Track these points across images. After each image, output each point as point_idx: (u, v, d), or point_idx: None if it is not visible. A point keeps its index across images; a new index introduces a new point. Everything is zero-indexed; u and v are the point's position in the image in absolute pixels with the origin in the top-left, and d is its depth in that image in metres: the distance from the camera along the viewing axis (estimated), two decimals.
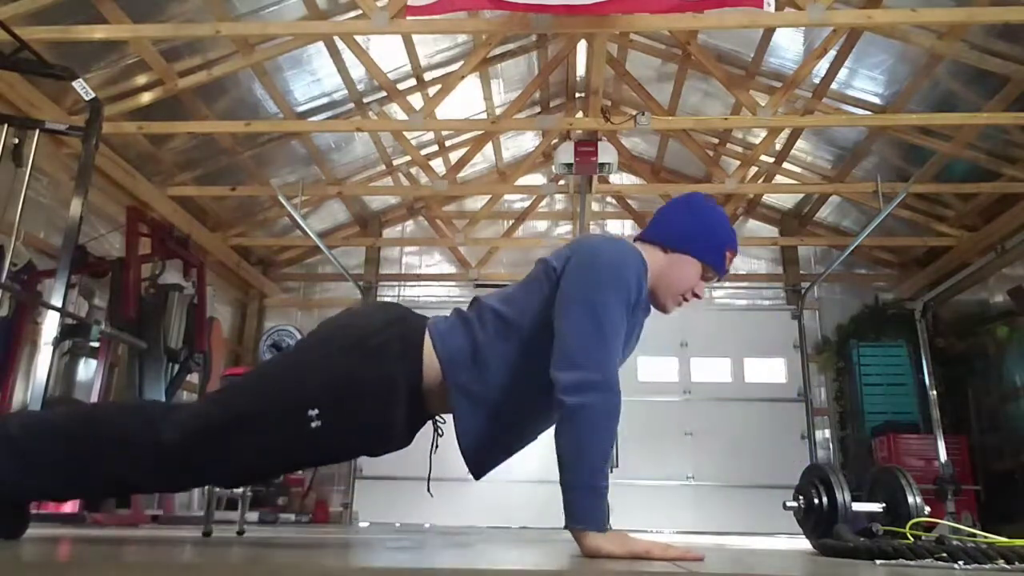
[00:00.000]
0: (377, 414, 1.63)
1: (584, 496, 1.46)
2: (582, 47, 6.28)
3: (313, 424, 1.57)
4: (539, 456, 2.53)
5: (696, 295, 1.84)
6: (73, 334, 3.86)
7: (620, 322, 1.58)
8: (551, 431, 1.56)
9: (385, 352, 1.63)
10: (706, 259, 1.81)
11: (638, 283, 1.64)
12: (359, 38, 5.30)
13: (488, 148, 7.35)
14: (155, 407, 1.73)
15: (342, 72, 5.81)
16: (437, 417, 1.81)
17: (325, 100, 6.20)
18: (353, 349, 1.63)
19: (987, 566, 1.35)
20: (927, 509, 2.15)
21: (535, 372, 1.59)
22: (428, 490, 1.85)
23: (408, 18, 4.23)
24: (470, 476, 1.73)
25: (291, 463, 1.71)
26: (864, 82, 5.70)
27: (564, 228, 8.32)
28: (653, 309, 1.87)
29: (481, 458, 1.70)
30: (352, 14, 5.18)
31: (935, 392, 5.76)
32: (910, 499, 2.14)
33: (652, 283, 1.78)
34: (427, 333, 1.69)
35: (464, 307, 1.77)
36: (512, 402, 1.66)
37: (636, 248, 1.73)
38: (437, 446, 1.78)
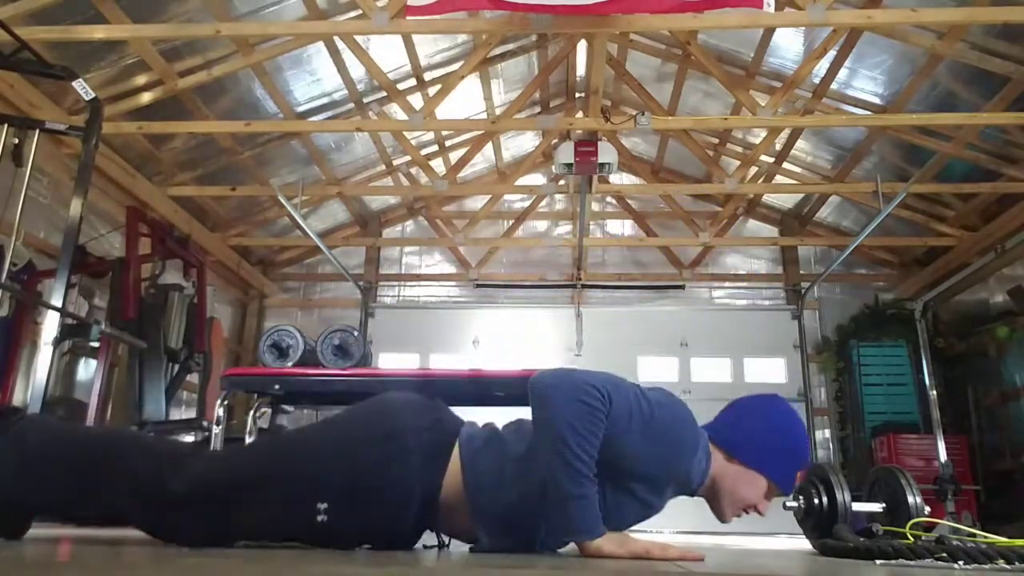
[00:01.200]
0: (386, 520, 1.59)
1: (577, 507, 1.45)
2: (582, 47, 6.28)
3: (319, 517, 1.54)
4: None
5: (759, 512, 1.72)
6: (73, 334, 3.86)
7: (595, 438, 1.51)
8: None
9: (408, 460, 1.57)
10: (776, 479, 1.70)
11: (700, 478, 1.65)
12: (359, 38, 5.30)
13: (488, 148, 7.35)
14: (170, 452, 1.67)
15: (342, 72, 5.81)
16: (443, 536, 1.74)
17: (325, 100, 6.20)
18: (376, 448, 1.57)
19: (987, 566, 1.35)
20: (927, 509, 2.15)
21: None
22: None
23: (408, 18, 4.23)
24: None
25: (290, 538, 1.68)
26: (864, 82, 5.70)
27: (564, 228, 8.32)
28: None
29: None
30: (352, 14, 5.18)
31: (935, 392, 5.75)
32: (910, 499, 2.14)
33: (712, 485, 1.70)
34: (457, 445, 1.62)
35: (502, 427, 1.71)
36: (528, 504, 1.60)
37: (705, 436, 1.68)
38: (442, 549, 1.73)
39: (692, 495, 1.73)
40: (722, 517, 1.75)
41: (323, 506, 1.54)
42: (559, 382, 1.52)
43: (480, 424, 1.74)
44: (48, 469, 1.59)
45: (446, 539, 1.76)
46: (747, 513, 1.74)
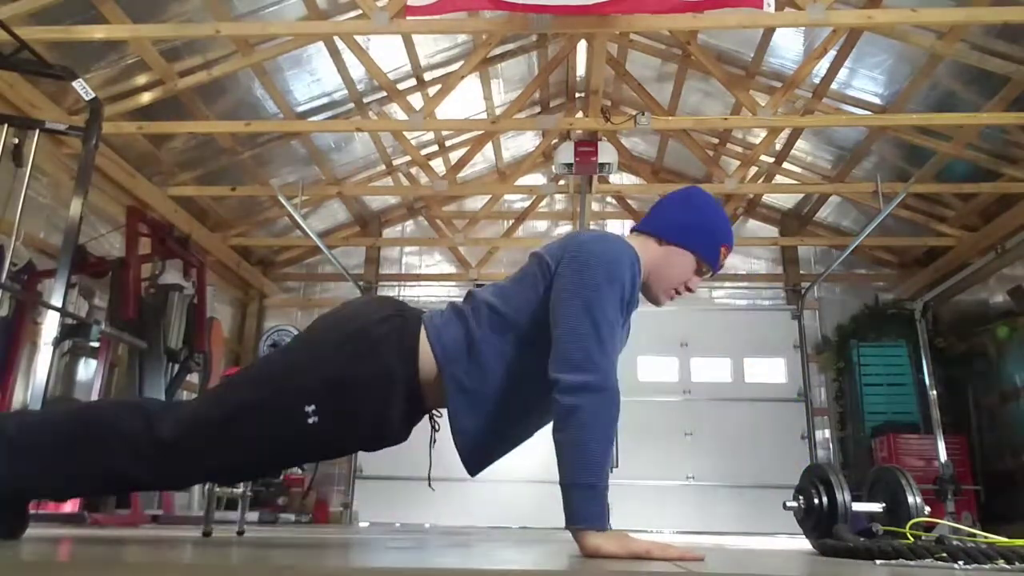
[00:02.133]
0: (374, 409, 1.63)
1: (582, 495, 1.46)
2: (582, 47, 6.28)
3: (310, 420, 1.58)
4: (539, 456, 2.53)
5: (689, 289, 1.85)
6: (73, 334, 3.86)
7: (616, 319, 1.57)
8: (549, 429, 1.56)
9: (381, 347, 1.63)
10: (701, 253, 1.81)
11: (632, 279, 1.64)
12: (359, 38, 5.30)
13: (488, 148, 7.35)
14: (152, 404, 1.73)
15: (342, 72, 5.81)
16: (434, 412, 1.81)
17: (325, 100, 6.20)
18: (349, 344, 1.62)
19: (987, 566, 1.35)
20: (927, 509, 2.15)
21: (530, 368, 1.60)
22: (429, 484, 1.85)
23: (408, 18, 4.23)
24: (470, 476, 1.73)
25: (289, 458, 1.72)
26: (864, 82, 5.70)
27: (564, 228, 8.32)
28: (644, 301, 1.87)
29: (477, 454, 1.70)
30: (352, 14, 5.18)
31: (935, 392, 5.76)
32: (910, 499, 2.14)
33: (645, 275, 1.78)
34: (423, 327, 1.68)
35: (459, 302, 1.76)
36: (508, 398, 1.66)
37: (628, 243, 1.72)
38: (435, 441, 1.78)
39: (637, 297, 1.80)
40: (656, 301, 1.88)
41: (311, 408, 1.58)
42: (605, 385, 1.51)
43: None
44: (35, 446, 1.61)
45: (438, 421, 1.81)
46: (679, 294, 1.86)
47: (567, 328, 1.55)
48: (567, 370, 1.51)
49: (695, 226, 1.82)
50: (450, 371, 1.63)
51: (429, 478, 1.84)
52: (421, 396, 1.68)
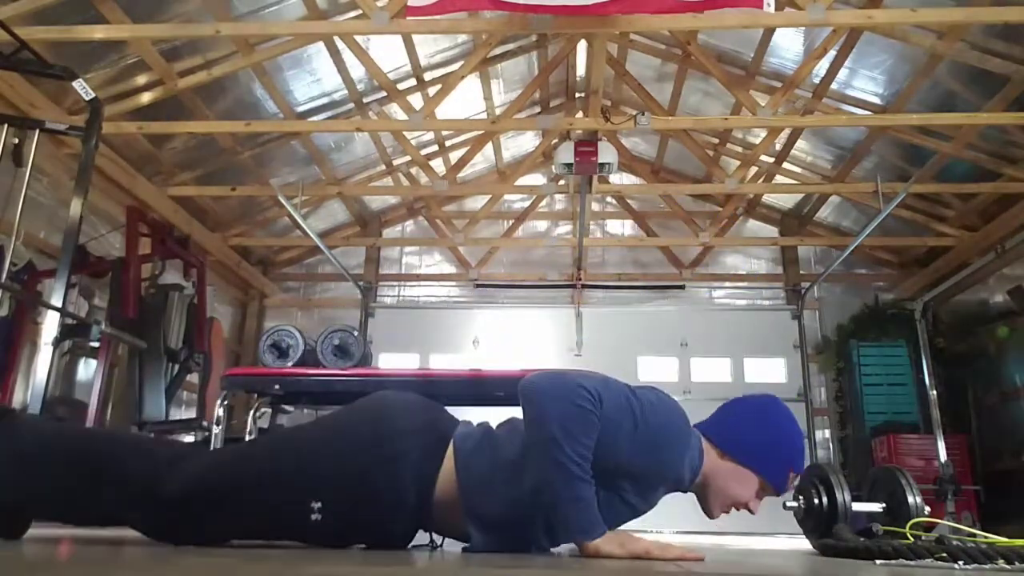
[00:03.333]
0: (380, 520, 1.60)
1: (573, 510, 1.45)
2: (582, 47, 6.28)
3: (313, 516, 1.55)
4: None
5: (750, 511, 1.72)
6: (73, 334, 3.86)
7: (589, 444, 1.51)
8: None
9: (403, 461, 1.57)
10: (768, 478, 1.69)
11: (692, 476, 1.64)
12: (359, 38, 5.30)
13: (488, 148, 7.35)
14: (164, 453, 1.66)
15: (342, 72, 5.81)
16: (435, 536, 1.75)
17: (325, 100, 6.20)
18: (371, 449, 1.57)
19: (987, 566, 1.35)
20: (927, 509, 2.15)
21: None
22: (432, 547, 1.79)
23: (408, 18, 4.23)
24: None
25: (283, 537, 1.68)
26: (864, 82, 5.70)
27: (564, 228, 8.32)
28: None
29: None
30: (352, 14, 5.18)
31: (935, 392, 5.75)
32: (910, 499, 2.14)
33: (703, 482, 1.70)
34: (452, 446, 1.63)
35: (493, 425, 1.71)
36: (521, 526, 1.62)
37: (698, 437, 1.68)
38: (434, 550, 1.74)
39: (684, 492, 1.73)
40: (710, 513, 1.75)
41: (317, 505, 1.54)
42: (550, 385, 1.51)
43: (475, 423, 1.74)
44: (44, 471, 1.59)
45: (439, 539, 1.77)
46: (737, 511, 1.74)
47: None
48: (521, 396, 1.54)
49: (767, 448, 1.70)
50: (469, 503, 1.59)
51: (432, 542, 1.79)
52: (429, 514, 1.63)
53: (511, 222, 8.17)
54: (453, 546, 1.75)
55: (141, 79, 5.11)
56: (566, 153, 5.51)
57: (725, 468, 1.68)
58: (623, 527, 1.72)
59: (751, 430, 1.71)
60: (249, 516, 1.59)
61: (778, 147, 6.75)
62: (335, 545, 1.64)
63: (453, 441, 1.64)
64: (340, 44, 5.45)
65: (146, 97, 5.15)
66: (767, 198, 8.00)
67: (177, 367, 5.39)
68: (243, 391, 3.65)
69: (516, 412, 1.67)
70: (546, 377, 1.54)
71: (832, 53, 5.29)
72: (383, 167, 7.33)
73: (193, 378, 5.85)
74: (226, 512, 1.57)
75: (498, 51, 6.15)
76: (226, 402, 3.39)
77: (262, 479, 1.58)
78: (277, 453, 1.66)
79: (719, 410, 1.78)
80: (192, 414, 6.07)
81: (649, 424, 1.56)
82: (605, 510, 1.56)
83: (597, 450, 1.50)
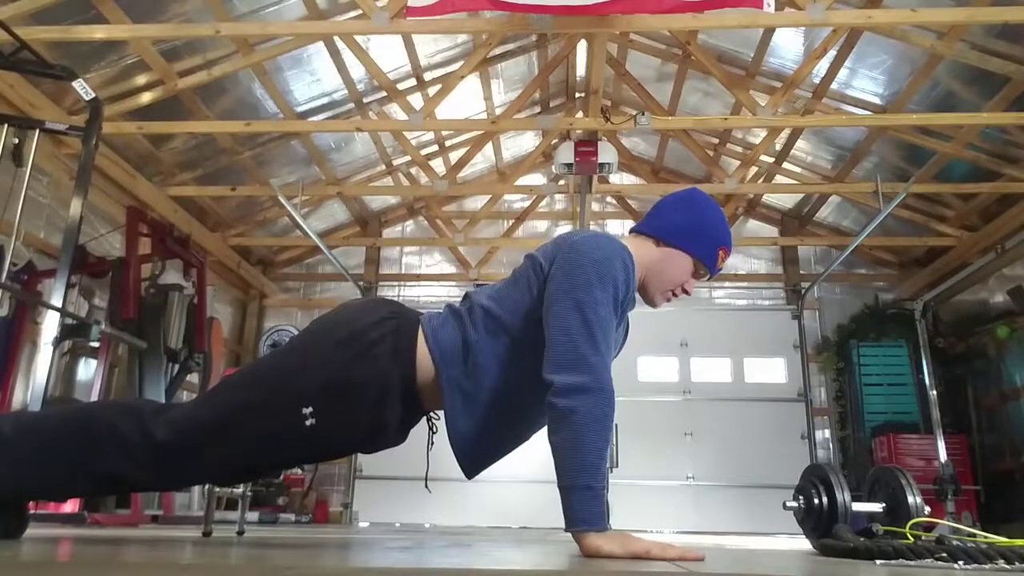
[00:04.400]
0: (371, 412, 1.63)
1: (580, 497, 1.45)
2: (582, 47, 6.29)
3: (307, 422, 1.57)
4: (539, 456, 2.52)
5: (686, 291, 1.85)
6: (73, 334, 3.86)
7: (609, 320, 1.56)
8: (546, 431, 1.56)
9: (378, 349, 1.62)
10: (698, 255, 1.80)
11: (626, 279, 1.62)
12: (359, 38, 5.30)
13: (488, 148, 7.35)
14: (148, 405, 1.72)
15: (342, 72, 5.81)
16: (431, 414, 1.80)
17: (325, 100, 6.20)
18: (346, 346, 1.62)
19: (987, 566, 1.35)
20: (927, 509, 2.15)
21: (526, 371, 1.59)
22: (426, 486, 1.84)
23: (408, 18, 4.23)
24: (467, 478, 1.73)
25: (286, 460, 1.72)
26: (864, 82, 5.70)
27: (564, 228, 8.32)
28: (641, 302, 1.86)
29: (474, 457, 1.70)
30: (352, 14, 5.18)
31: (935, 392, 5.76)
32: (910, 499, 2.14)
33: (642, 276, 1.78)
34: (420, 329, 1.68)
35: (456, 303, 1.76)
36: (504, 401, 1.65)
37: (623, 243, 1.71)
38: (433, 443, 1.78)
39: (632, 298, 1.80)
40: (652, 302, 1.88)
41: (308, 410, 1.58)
42: (599, 386, 1.50)
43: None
44: (32, 446, 1.61)
45: (436, 423, 1.80)
46: (676, 296, 1.86)
47: (560, 329, 1.54)
48: (561, 371, 1.51)
49: (694, 228, 1.81)
50: (447, 373, 1.63)
51: (427, 480, 1.84)
52: (418, 398, 1.68)
53: (511, 222, 8.17)
54: (452, 536, 1.75)
55: (141, 79, 5.11)
56: (566, 153, 5.51)
57: (659, 254, 1.80)
58: (627, 524, 1.72)
59: (679, 215, 1.83)
60: (246, 440, 1.61)
61: (778, 147, 6.75)
62: (338, 450, 1.67)
63: (420, 322, 1.70)
64: (340, 44, 5.45)
65: (146, 97, 5.15)
66: (767, 198, 8.00)
67: (177, 367, 5.39)
68: None
69: (473, 291, 1.76)
70: (596, 373, 1.52)
71: (832, 53, 5.29)
72: (383, 167, 7.34)
73: (193, 378, 5.86)
74: (222, 443, 1.60)
75: (498, 51, 6.15)
76: None
77: (249, 400, 1.62)
78: (258, 375, 1.73)
79: (651, 208, 1.90)
80: None
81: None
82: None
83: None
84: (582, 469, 1.46)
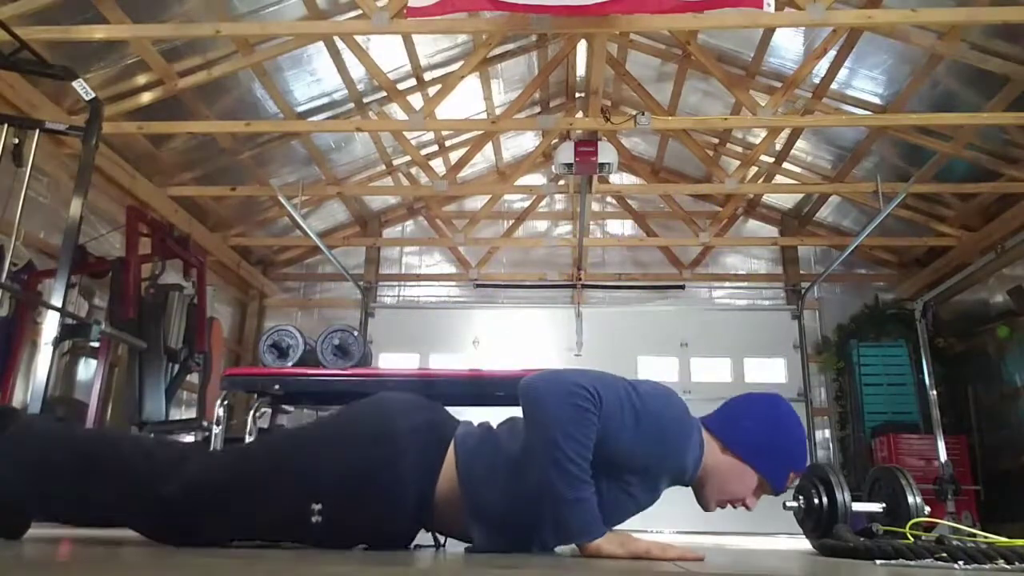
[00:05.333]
0: (380, 520, 1.60)
1: (573, 511, 1.45)
2: (582, 47, 6.28)
3: (314, 518, 1.55)
4: None
5: (747, 507, 1.71)
6: (73, 334, 3.85)
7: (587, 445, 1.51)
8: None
9: (403, 460, 1.57)
10: (768, 477, 1.68)
11: (694, 468, 1.63)
12: (359, 38, 5.30)
13: (488, 148, 7.35)
14: (166, 454, 1.67)
15: (342, 72, 5.81)
16: (439, 536, 1.76)
17: (325, 100, 6.20)
18: (371, 449, 1.57)
19: (987, 566, 1.35)
20: (927, 509, 2.15)
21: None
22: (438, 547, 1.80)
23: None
24: None
25: (284, 538, 1.68)
26: (864, 82, 5.70)
27: (564, 228, 8.32)
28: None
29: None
30: (352, 14, 5.18)
31: (935, 392, 5.75)
32: (910, 499, 2.14)
33: (703, 475, 1.68)
34: (452, 445, 1.63)
35: (495, 427, 1.72)
36: (523, 524, 1.61)
37: (700, 427, 1.68)
38: (438, 549, 1.74)
39: (686, 485, 1.73)
40: (706, 506, 1.74)
41: (317, 507, 1.54)
42: (549, 386, 1.51)
43: (475, 423, 1.74)
44: (45, 471, 1.59)
45: (442, 538, 1.77)
46: (733, 507, 1.73)
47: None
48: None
49: (769, 448, 1.69)
50: (472, 499, 1.58)
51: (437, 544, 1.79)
52: (431, 514, 1.63)
53: (511, 222, 8.17)
54: (455, 547, 1.75)
55: (141, 79, 5.11)
56: (566, 153, 5.50)
57: (725, 463, 1.67)
58: (627, 523, 1.72)
59: (755, 427, 1.70)
60: (249, 517, 1.59)
61: (778, 147, 6.75)
62: (336, 546, 1.64)
63: (454, 440, 1.64)
64: (340, 44, 5.45)
65: (146, 97, 5.15)
66: (767, 198, 8.00)
67: (177, 367, 5.38)
68: (243, 391, 3.64)
69: (516, 412, 1.67)
70: (545, 378, 1.54)
71: (832, 53, 5.29)
72: (383, 167, 7.33)
73: (193, 378, 5.85)
74: (226, 513, 1.57)
75: (498, 51, 6.15)
76: (226, 402, 3.39)
77: (262, 480, 1.58)
78: (277, 454, 1.66)
79: (724, 404, 1.77)
80: (192, 414, 6.07)
81: (650, 415, 1.56)
82: (610, 505, 1.56)
83: (599, 445, 1.49)
84: (570, 485, 1.45)
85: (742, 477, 1.67)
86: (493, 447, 1.63)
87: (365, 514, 1.57)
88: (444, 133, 7.21)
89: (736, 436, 1.69)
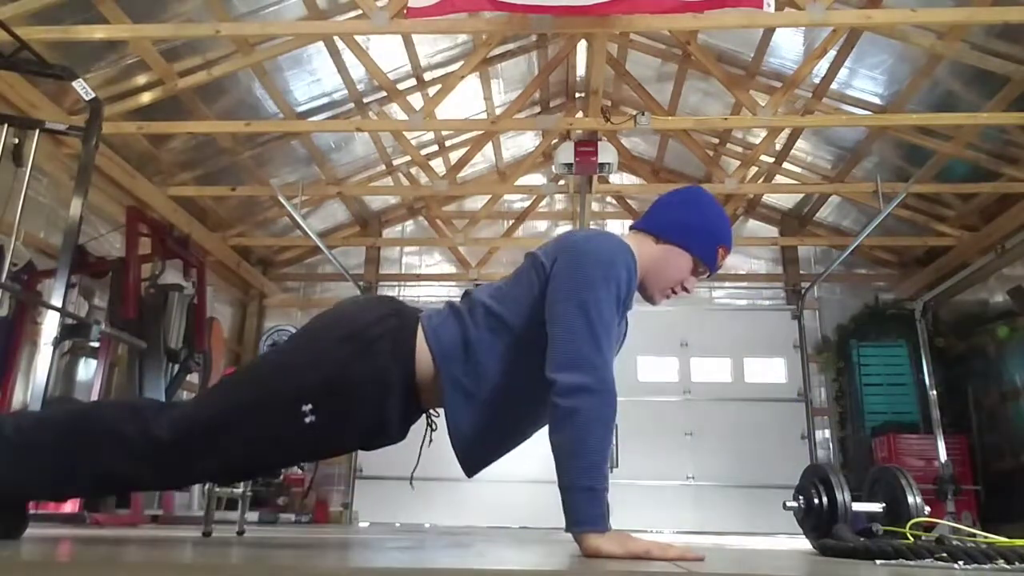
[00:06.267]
0: (371, 409, 1.63)
1: (582, 498, 1.45)
2: (582, 47, 6.29)
3: (307, 419, 1.58)
4: (539, 456, 2.52)
5: (685, 289, 1.84)
6: (73, 334, 3.86)
7: (611, 319, 1.56)
8: (546, 431, 1.56)
9: (378, 347, 1.62)
10: (698, 253, 1.79)
11: (628, 277, 1.62)
12: (359, 38, 5.30)
13: (488, 148, 7.35)
14: (149, 404, 1.73)
15: (342, 72, 5.81)
16: (431, 411, 1.80)
17: (325, 100, 6.20)
18: (346, 344, 1.62)
19: (987, 566, 1.35)
20: (927, 509, 2.15)
21: (527, 370, 1.59)
22: (411, 483, 1.85)
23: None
24: (467, 477, 1.73)
25: (286, 458, 1.73)
26: (864, 82, 5.70)
27: (564, 228, 8.32)
28: (643, 301, 1.84)
29: (473, 456, 1.70)
30: (352, 14, 5.18)
31: (935, 392, 5.76)
32: (910, 499, 2.13)
33: (642, 273, 1.76)
34: (420, 326, 1.68)
35: (456, 301, 1.76)
36: (504, 399, 1.65)
37: (624, 242, 1.71)
38: (431, 440, 1.77)
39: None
40: (652, 299, 1.86)
41: (308, 407, 1.58)
42: (602, 387, 1.50)
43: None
44: (32, 446, 1.61)
45: (435, 420, 1.80)
46: (675, 293, 1.84)
47: (563, 328, 1.54)
48: (564, 371, 1.51)
49: (693, 226, 1.80)
50: (447, 370, 1.63)
51: (412, 478, 1.84)
52: (418, 396, 1.68)
53: (511, 222, 8.17)
54: (453, 535, 1.75)
55: (141, 79, 5.11)
56: (566, 153, 5.51)
57: (660, 251, 1.79)
58: (627, 523, 1.73)
59: (679, 213, 1.83)
60: (245, 440, 1.61)
61: (778, 147, 6.75)
62: (337, 447, 1.67)
63: (420, 320, 1.69)
64: (340, 44, 5.45)
65: (146, 97, 5.15)
66: (767, 198, 8.00)
67: (177, 367, 5.39)
68: None
69: (473, 290, 1.75)
70: (597, 371, 1.52)
71: (832, 53, 5.29)
72: (383, 167, 7.33)
73: (193, 378, 5.86)
74: (222, 441, 1.60)
75: (498, 51, 6.15)
76: None
77: (248, 399, 1.62)
78: (258, 373, 1.74)
79: (652, 204, 1.89)
80: None
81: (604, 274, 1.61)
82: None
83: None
84: (584, 470, 1.46)
85: (677, 261, 1.79)
86: (458, 320, 1.68)
87: (355, 403, 1.61)
88: (444, 133, 7.21)
89: (663, 224, 1.82)
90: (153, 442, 1.58)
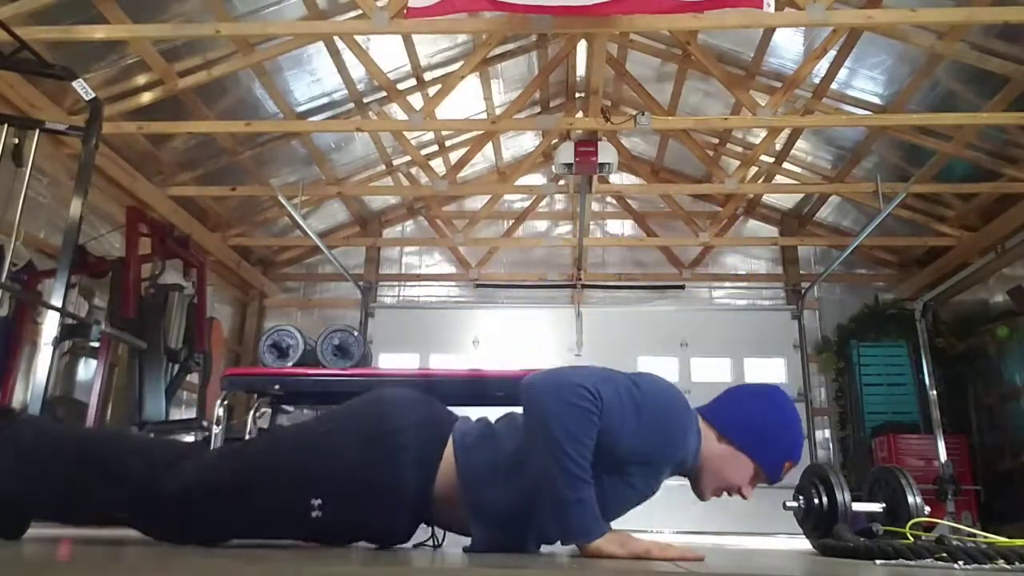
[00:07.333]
0: (379, 520, 1.60)
1: (574, 512, 1.45)
2: (582, 47, 6.28)
3: (313, 514, 1.55)
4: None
5: (742, 495, 1.72)
6: (73, 334, 3.86)
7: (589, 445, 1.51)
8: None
9: (402, 458, 1.58)
10: (763, 465, 1.69)
11: (694, 458, 1.63)
12: (359, 38, 5.30)
13: (488, 148, 7.35)
14: (162, 452, 1.67)
15: (342, 72, 5.81)
16: (438, 531, 1.76)
17: (325, 100, 6.20)
18: (371, 446, 1.57)
19: (987, 566, 1.35)
20: (927, 509, 2.15)
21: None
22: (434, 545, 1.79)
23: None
24: None
25: (283, 535, 1.69)
26: (864, 82, 5.70)
27: (564, 228, 8.33)
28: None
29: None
30: (352, 14, 5.18)
31: (935, 392, 5.75)
32: (910, 499, 2.14)
33: (699, 464, 1.69)
34: (451, 441, 1.63)
35: (494, 421, 1.72)
36: (523, 519, 1.61)
37: (695, 414, 1.67)
38: (436, 547, 1.74)
39: (685, 475, 1.74)
40: (701, 495, 1.76)
41: (317, 502, 1.54)
42: (550, 385, 1.51)
43: (473, 419, 1.74)
44: (44, 470, 1.59)
45: (440, 534, 1.77)
46: (729, 495, 1.74)
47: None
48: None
49: (764, 435, 1.69)
50: (471, 497, 1.59)
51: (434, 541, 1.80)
52: (430, 509, 1.64)
53: (511, 222, 8.17)
54: (454, 545, 1.75)
55: (141, 79, 5.11)
56: (566, 153, 5.50)
57: (721, 451, 1.68)
58: (627, 523, 1.73)
59: (751, 415, 1.70)
60: (248, 514, 1.59)
61: (778, 147, 6.75)
62: (336, 542, 1.64)
63: (452, 435, 1.64)
64: (340, 44, 5.45)
65: (146, 97, 5.15)
66: (767, 198, 8.00)
67: (177, 367, 5.39)
68: (243, 391, 3.64)
69: (516, 411, 1.67)
70: (546, 377, 1.54)
71: (832, 53, 5.29)
72: (383, 167, 7.33)
73: (193, 378, 5.85)
74: (225, 510, 1.57)
75: (498, 51, 6.15)
76: (226, 402, 3.39)
77: (261, 477, 1.59)
78: (276, 451, 1.67)
79: (721, 394, 1.77)
80: (192, 414, 6.07)
81: (651, 408, 1.56)
82: (612, 496, 1.56)
83: (601, 440, 1.50)
84: (570, 484, 1.44)
85: (738, 465, 1.68)
86: (492, 443, 1.63)
87: (365, 510, 1.58)
88: (444, 133, 7.21)
89: (733, 424, 1.69)
90: (156, 494, 1.54)
